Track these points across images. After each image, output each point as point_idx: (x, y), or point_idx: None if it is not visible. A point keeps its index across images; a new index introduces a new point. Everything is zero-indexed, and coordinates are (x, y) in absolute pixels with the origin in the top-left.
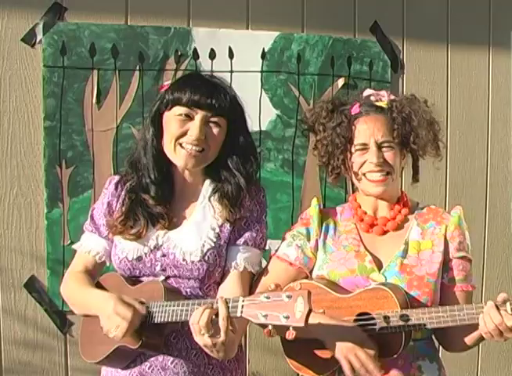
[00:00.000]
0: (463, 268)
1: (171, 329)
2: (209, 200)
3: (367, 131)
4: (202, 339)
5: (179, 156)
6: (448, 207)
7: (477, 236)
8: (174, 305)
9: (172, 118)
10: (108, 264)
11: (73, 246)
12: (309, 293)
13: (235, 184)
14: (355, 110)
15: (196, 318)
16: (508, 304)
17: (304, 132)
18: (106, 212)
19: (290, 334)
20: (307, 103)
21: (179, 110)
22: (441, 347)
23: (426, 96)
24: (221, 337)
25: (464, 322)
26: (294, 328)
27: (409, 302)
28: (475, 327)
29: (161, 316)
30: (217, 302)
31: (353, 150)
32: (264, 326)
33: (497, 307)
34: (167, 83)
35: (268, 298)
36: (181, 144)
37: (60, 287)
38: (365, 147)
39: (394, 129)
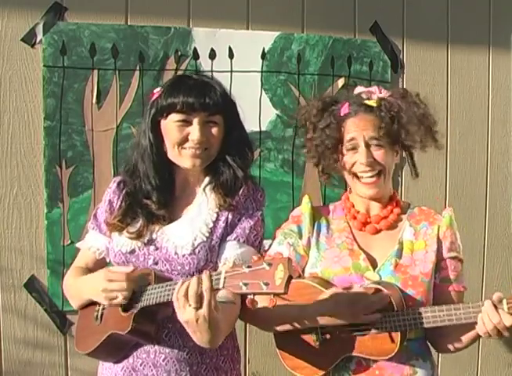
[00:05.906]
0: (454, 268)
1: (162, 315)
2: (204, 190)
3: (356, 131)
4: (185, 313)
5: (185, 158)
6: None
7: (477, 236)
8: (160, 287)
9: (171, 126)
10: (108, 260)
11: (77, 244)
12: (289, 260)
13: (231, 175)
14: (345, 110)
15: (183, 289)
16: (505, 302)
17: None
18: (106, 209)
19: (272, 302)
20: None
21: (176, 116)
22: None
23: (426, 96)
24: (204, 309)
25: (461, 321)
26: (275, 296)
27: (404, 301)
28: (470, 326)
29: (148, 299)
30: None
31: (344, 150)
32: (245, 297)
33: (495, 306)
34: (157, 90)
35: (249, 267)
36: (184, 148)
37: (62, 285)
38: (354, 146)
39: (381, 128)
